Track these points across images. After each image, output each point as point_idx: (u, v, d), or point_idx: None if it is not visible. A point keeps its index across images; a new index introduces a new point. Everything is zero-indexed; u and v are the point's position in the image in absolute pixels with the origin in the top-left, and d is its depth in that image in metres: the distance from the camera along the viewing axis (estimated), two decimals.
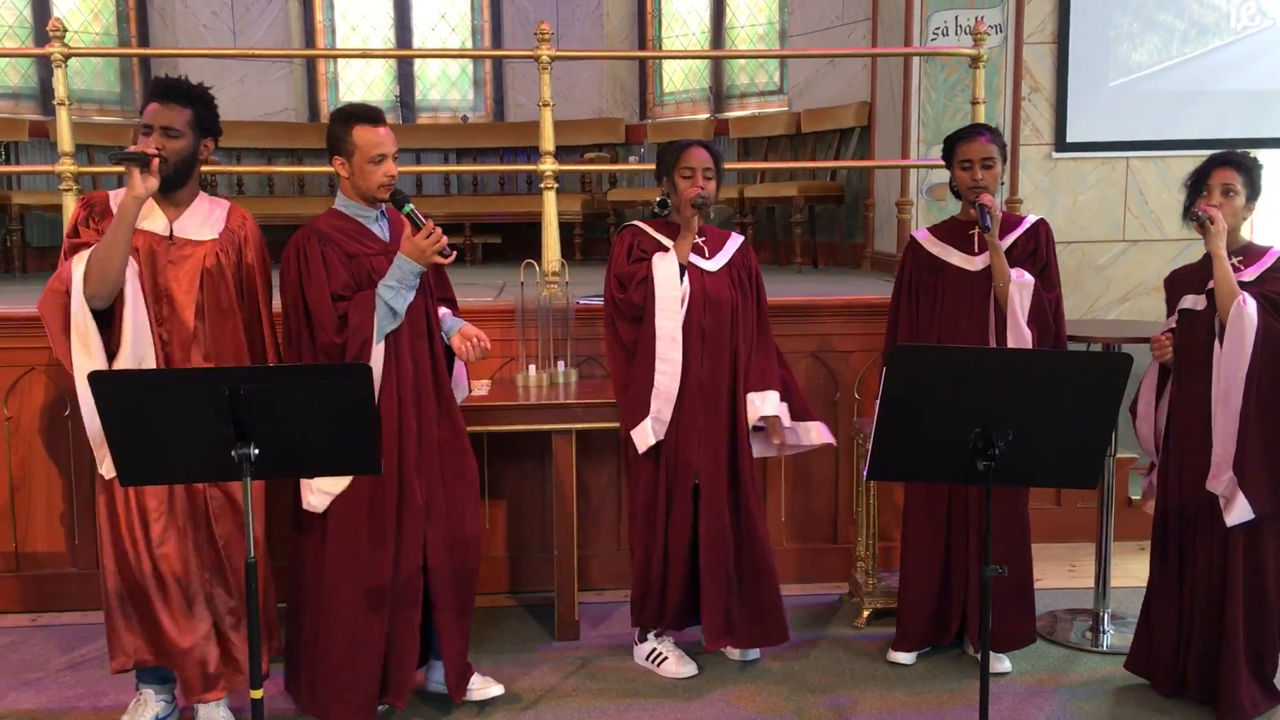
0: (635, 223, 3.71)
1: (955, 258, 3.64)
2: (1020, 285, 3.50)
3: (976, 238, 3.61)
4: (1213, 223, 3.18)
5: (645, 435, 3.54)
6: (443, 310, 3.40)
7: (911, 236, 3.80)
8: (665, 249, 3.58)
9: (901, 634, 3.76)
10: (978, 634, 3.65)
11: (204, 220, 3.14)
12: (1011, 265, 3.54)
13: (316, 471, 2.94)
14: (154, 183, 2.91)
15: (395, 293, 3.13)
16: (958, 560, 3.67)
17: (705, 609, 3.60)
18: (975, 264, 3.60)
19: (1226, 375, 3.18)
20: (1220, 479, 3.22)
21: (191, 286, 3.08)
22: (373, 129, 3.15)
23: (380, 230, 3.26)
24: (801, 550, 4.51)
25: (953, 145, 3.63)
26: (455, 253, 3.15)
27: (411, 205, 3.15)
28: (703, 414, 3.56)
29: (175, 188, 3.06)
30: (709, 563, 3.58)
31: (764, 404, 3.61)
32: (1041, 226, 3.66)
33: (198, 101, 3.08)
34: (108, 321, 3.02)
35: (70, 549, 4.17)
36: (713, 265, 3.62)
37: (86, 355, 2.97)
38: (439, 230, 3.12)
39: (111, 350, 3.01)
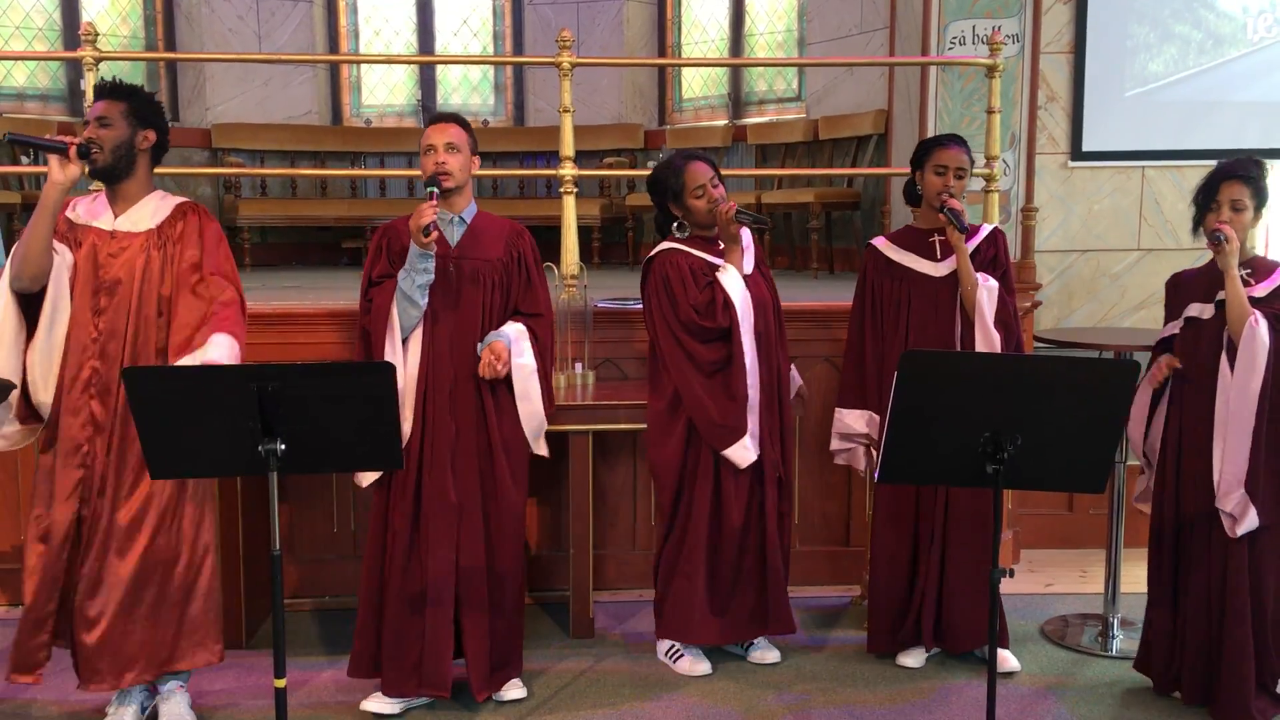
0: (671, 246, 3.68)
1: (919, 264, 3.70)
2: (988, 289, 3.58)
3: (939, 245, 3.68)
4: (1228, 241, 3.19)
5: (746, 453, 3.59)
6: (515, 325, 3.40)
7: (870, 244, 3.85)
8: (715, 266, 3.62)
9: (870, 636, 3.81)
10: (932, 633, 3.71)
11: (147, 216, 3.21)
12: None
13: (341, 466, 3.02)
14: (74, 170, 3.03)
15: (405, 275, 3.26)
16: (925, 561, 3.71)
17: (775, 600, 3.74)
18: (939, 270, 3.67)
19: (1239, 394, 3.20)
20: (1231, 496, 3.23)
21: (127, 278, 3.15)
22: (429, 127, 3.36)
23: (450, 233, 3.37)
24: (814, 553, 4.55)
25: (928, 150, 3.69)
26: (436, 232, 3.17)
27: (435, 189, 3.24)
28: (767, 411, 3.66)
29: (118, 178, 3.17)
30: (774, 549, 3.72)
31: (795, 377, 3.89)
32: (999, 234, 3.76)
33: (131, 95, 3.21)
34: (35, 314, 3.13)
35: None
36: (749, 268, 3.69)
37: None
38: (428, 210, 3.17)
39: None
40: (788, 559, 3.80)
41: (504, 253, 3.41)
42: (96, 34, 4.39)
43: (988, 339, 3.56)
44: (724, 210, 3.55)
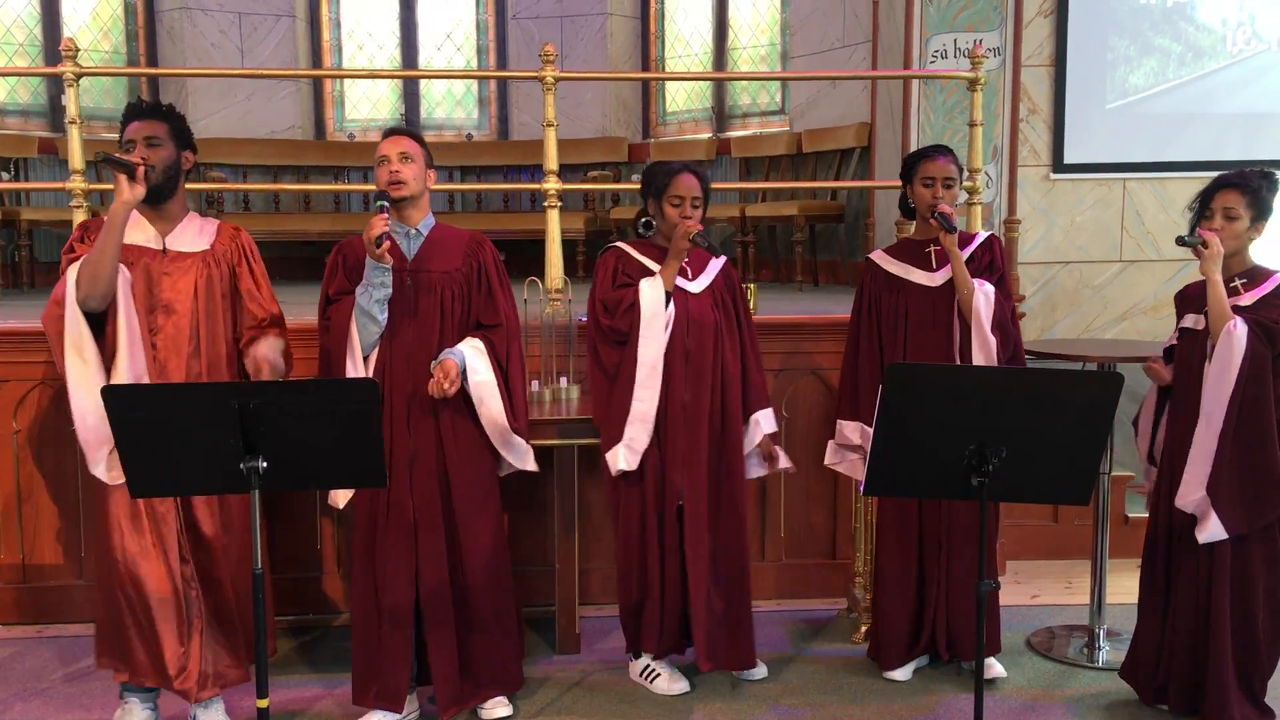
0: (619, 244, 3.70)
1: (915, 275, 3.71)
2: (984, 293, 3.58)
3: (934, 255, 3.69)
4: (1206, 246, 3.20)
5: (616, 460, 3.54)
6: (472, 341, 3.36)
7: (868, 258, 3.86)
8: (650, 273, 3.58)
9: (885, 655, 3.78)
10: (945, 644, 3.72)
11: (195, 235, 3.27)
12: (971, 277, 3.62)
13: (324, 483, 3.01)
14: (140, 190, 3.05)
15: (363, 290, 3.25)
16: (931, 574, 3.72)
17: (695, 631, 3.61)
18: (935, 279, 3.67)
19: (1211, 397, 3.22)
20: (1191, 497, 3.25)
21: (185, 297, 3.20)
22: (382, 141, 3.34)
23: (407, 246, 3.34)
24: (800, 566, 4.54)
25: (915, 163, 3.71)
26: (386, 243, 3.15)
27: (384, 204, 3.23)
28: (685, 435, 3.57)
29: (164, 199, 3.20)
30: (696, 585, 3.58)
31: (765, 422, 3.69)
32: (994, 240, 3.77)
33: (171, 116, 3.24)
34: (100, 332, 3.14)
35: (76, 561, 4.21)
36: (696, 286, 3.62)
37: (80, 361, 3.10)
38: (378, 222, 3.15)
39: (106, 358, 3.13)
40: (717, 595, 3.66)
41: (463, 263, 3.38)
42: (77, 49, 4.36)
43: (984, 343, 3.57)
44: (685, 226, 3.49)
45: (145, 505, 3.18)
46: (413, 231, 3.36)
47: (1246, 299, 3.26)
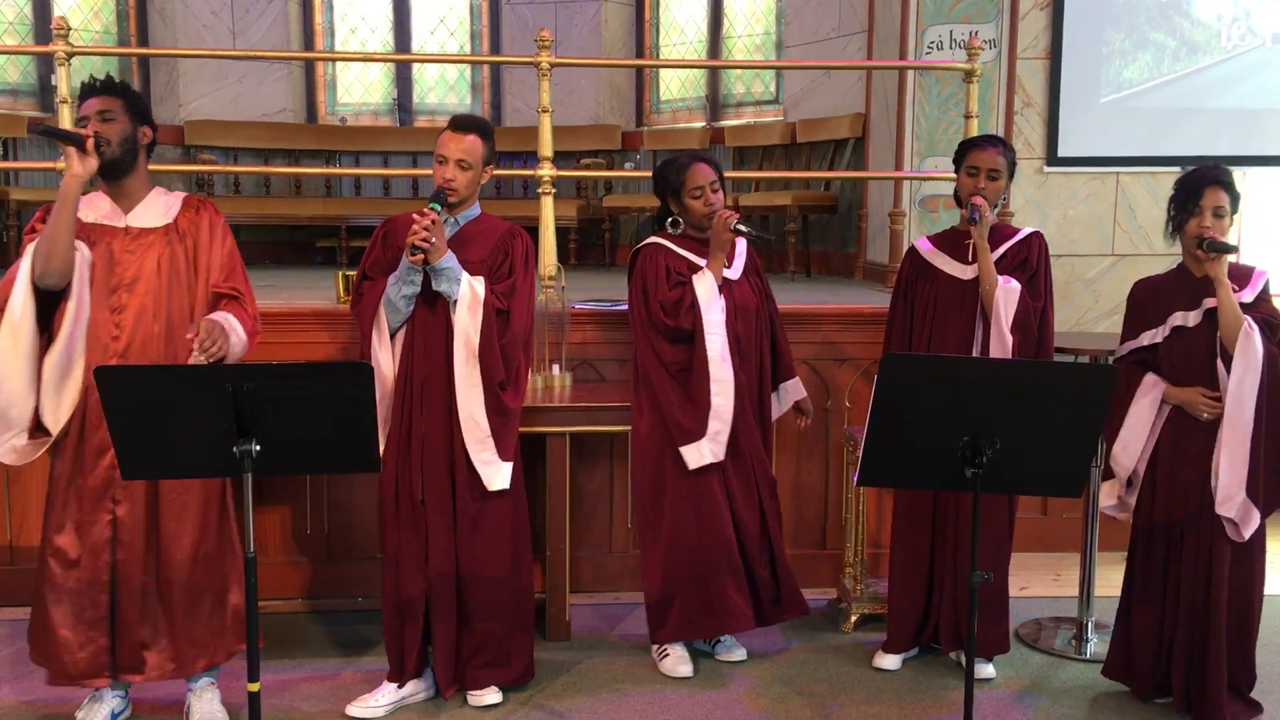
0: (658, 240, 3.71)
1: (948, 265, 3.69)
2: (1006, 290, 3.55)
3: (971, 247, 3.65)
4: (1225, 251, 3.16)
5: (700, 455, 3.59)
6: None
7: (912, 245, 3.86)
8: (697, 268, 3.63)
9: (889, 638, 3.81)
10: (951, 637, 3.72)
11: (160, 211, 3.20)
12: (1001, 273, 3.59)
13: (318, 468, 2.99)
14: (92, 163, 3.01)
15: (395, 284, 3.28)
16: (940, 566, 3.73)
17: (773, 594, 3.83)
18: (966, 272, 3.65)
19: (1237, 401, 3.19)
20: (1233, 502, 3.22)
21: (148, 274, 3.13)
22: (444, 133, 3.32)
23: (446, 232, 3.33)
24: (791, 556, 4.52)
25: (964, 151, 3.67)
26: (422, 254, 3.15)
27: (437, 205, 3.22)
28: (752, 416, 3.68)
29: (122, 174, 3.14)
30: (759, 551, 3.77)
31: (796, 390, 3.93)
32: (1035, 238, 3.70)
33: (126, 92, 3.19)
34: (52, 311, 3.08)
35: None
36: (735, 273, 3.70)
37: (12, 343, 3.02)
38: (421, 224, 3.14)
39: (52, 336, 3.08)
40: (780, 551, 3.84)
41: (490, 255, 3.37)
42: (69, 28, 4.34)
43: (1001, 340, 3.54)
44: (723, 217, 3.57)
45: (78, 493, 3.12)
46: (450, 220, 3.36)
47: (1245, 296, 3.24)
